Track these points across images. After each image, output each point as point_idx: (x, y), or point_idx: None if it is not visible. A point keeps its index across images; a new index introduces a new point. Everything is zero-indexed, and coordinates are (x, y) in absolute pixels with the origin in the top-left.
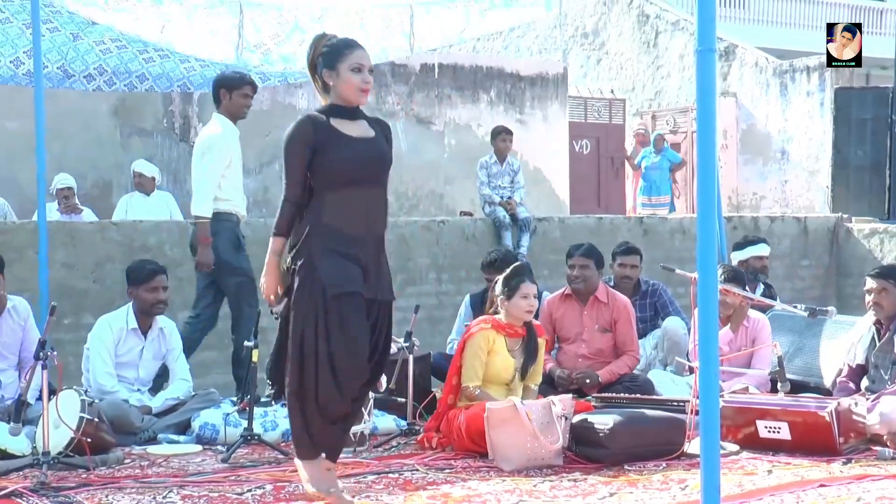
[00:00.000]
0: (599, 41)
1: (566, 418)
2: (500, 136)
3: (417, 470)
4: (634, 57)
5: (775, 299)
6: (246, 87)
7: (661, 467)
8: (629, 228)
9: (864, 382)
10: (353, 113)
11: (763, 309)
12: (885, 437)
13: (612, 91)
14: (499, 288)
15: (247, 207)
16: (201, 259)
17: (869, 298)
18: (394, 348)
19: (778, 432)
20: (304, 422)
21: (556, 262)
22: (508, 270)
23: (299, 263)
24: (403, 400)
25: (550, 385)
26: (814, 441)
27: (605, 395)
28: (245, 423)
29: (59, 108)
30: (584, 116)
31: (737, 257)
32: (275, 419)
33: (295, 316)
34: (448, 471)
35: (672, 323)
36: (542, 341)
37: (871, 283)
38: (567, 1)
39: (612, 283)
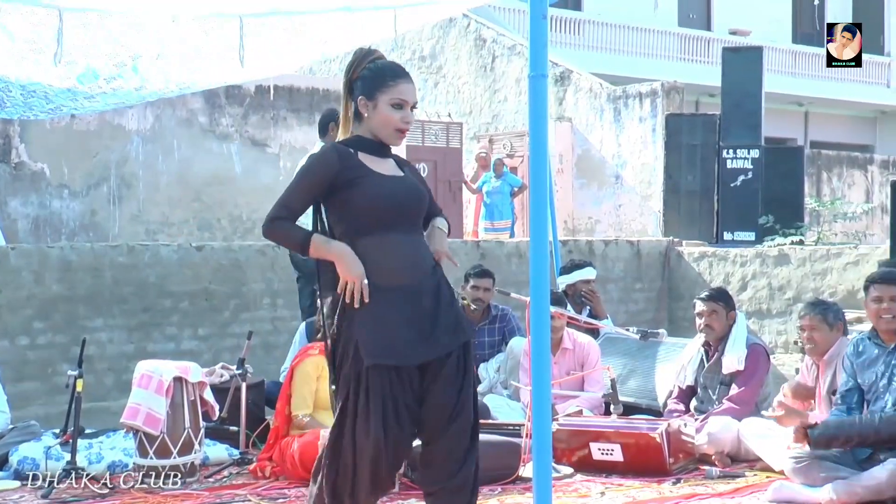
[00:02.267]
0: (437, 65)
1: None
2: None
3: (250, 500)
4: (472, 81)
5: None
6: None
7: (496, 492)
8: (466, 252)
9: (694, 403)
10: (382, 150)
11: (595, 332)
12: (712, 457)
13: (449, 115)
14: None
15: (72, 231)
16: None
17: (700, 321)
18: (226, 375)
19: (611, 454)
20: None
21: None
22: None
23: (339, 331)
24: (236, 429)
25: None
26: (645, 462)
27: None
28: (68, 457)
29: None
30: (422, 140)
31: (564, 281)
32: (100, 451)
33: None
34: (281, 500)
35: (517, 342)
36: None
37: (700, 307)
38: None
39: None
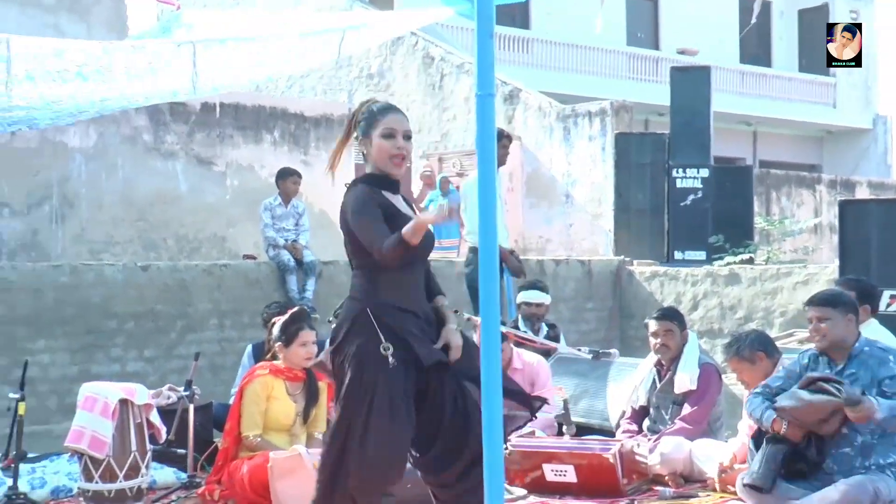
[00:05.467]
0: (385, 83)
1: None
2: (291, 177)
3: None
4: (420, 99)
5: (559, 339)
6: (504, 139)
7: None
8: None
9: (647, 423)
10: (394, 186)
11: (547, 352)
12: (665, 477)
13: None
14: (276, 334)
15: (13, 251)
16: (514, 264)
17: (655, 341)
18: (173, 397)
19: (564, 475)
20: None
21: None
22: (287, 316)
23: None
24: (184, 451)
25: None
26: (599, 483)
27: None
28: (10, 482)
29: None
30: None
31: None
32: (43, 476)
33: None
34: None
35: None
36: (323, 385)
37: (655, 326)
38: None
39: None
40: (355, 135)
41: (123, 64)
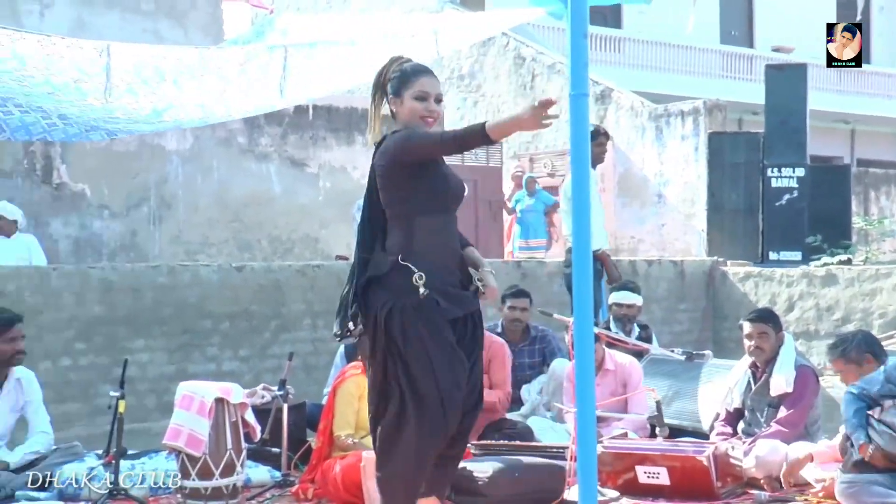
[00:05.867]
0: (476, 83)
1: None
2: None
3: None
4: (511, 99)
5: (651, 340)
6: (601, 137)
7: None
8: (507, 272)
9: (741, 425)
10: None
11: (639, 353)
12: (761, 481)
13: None
14: None
15: (113, 252)
16: (613, 274)
17: (749, 343)
18: (267, 397)
19: (657, 477)
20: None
21: None
22: None
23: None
24: (278, 450)
25: None
26: (692, 485)
27: (485, 442)
28: (111, 478)
29: None
30: (462, 159)
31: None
32: (143, 473)
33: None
34: None
35: (560, 364)
36: None
37: (750, 328)
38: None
39: (501, 327)
40: (386, 93)
41: (216, 71)
